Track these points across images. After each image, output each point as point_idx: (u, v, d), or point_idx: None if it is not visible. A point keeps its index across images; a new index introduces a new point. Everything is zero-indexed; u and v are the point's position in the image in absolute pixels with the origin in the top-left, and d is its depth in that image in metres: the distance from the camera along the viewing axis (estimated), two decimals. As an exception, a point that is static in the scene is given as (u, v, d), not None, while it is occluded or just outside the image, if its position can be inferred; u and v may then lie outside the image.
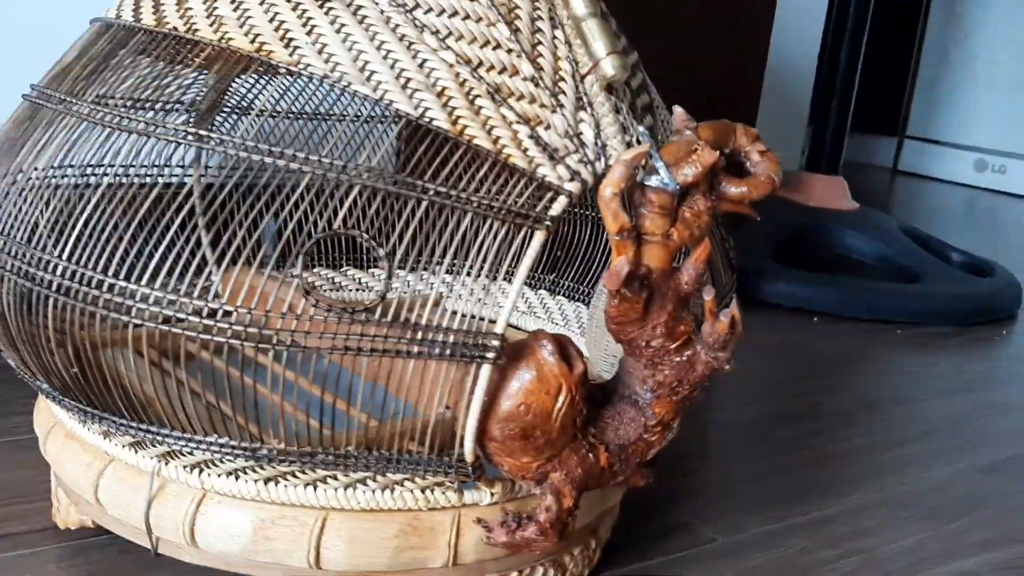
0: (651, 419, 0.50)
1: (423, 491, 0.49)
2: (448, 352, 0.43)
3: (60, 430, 0.54)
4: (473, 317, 0.44)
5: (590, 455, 0.49)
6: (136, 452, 0.50)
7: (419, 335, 0.43)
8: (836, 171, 1.61)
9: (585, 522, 0.56)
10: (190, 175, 0.68)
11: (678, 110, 0.48)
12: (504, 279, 0.45)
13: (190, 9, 0.48)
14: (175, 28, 0.47)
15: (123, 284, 0.42)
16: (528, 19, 0.47)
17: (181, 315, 0.42)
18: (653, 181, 0.47)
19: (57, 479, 0.57)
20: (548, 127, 0.46)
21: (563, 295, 0.74)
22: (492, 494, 0.50)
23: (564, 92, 0.47)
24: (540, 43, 0.47)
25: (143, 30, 0.49)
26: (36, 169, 0.50)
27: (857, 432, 0.89)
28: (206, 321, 0.42)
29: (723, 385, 1.03)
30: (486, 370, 0.44)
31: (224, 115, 0.70)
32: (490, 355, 0.44)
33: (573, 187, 0.46)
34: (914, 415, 0.94)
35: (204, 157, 0.70)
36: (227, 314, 0.42)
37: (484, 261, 0.43)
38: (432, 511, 0.50)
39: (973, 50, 2.62)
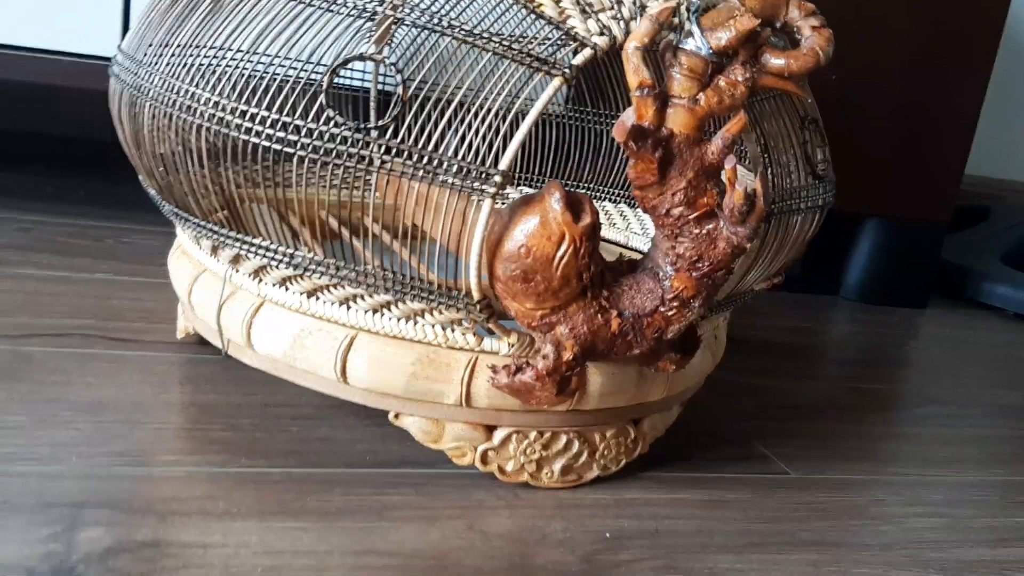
0: (668, 292, 0.50)
1: (443, 328, 0.52)
2: (451, 181, 0.46)
3: (179, 248, 0.63)
4: (478, 153, 0.46)
5: (599, 316, 0.50)
6: (217, 259, 0.57)
7: (425, 160, 0.46)
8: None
9: (617, 404, 0.56)
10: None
11: (728, -22, 0.48)
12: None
13: None
14: None
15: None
16: None
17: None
18: (688, 45, 0.47)
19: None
20: (585, -18, 0.47)
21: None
22: (509, 344, 0.52)
23: (610, -48, 0.48)
24: (594, -96, 0.48)
25: None
26: (222, 50, 0.55)
27: (1005, 424, 0.80)
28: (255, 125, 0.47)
29: (885, 362, 0.96)
30: (487, 204, 0.46)
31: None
32: (490, 190, 0.46)
33: (601, 41, 0.47)
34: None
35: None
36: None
37: (495, 101, 0.46)
38: (450, 349, 0.53)
39: None
